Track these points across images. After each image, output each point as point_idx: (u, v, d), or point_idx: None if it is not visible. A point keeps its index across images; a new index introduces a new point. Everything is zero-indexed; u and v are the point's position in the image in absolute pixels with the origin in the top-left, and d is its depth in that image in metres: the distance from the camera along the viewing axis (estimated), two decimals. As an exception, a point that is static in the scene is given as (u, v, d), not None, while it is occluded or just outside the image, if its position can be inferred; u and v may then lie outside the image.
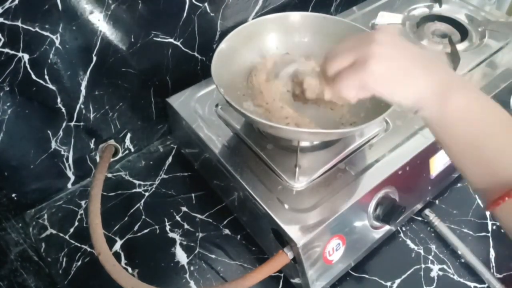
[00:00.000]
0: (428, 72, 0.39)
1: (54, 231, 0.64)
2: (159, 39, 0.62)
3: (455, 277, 0.58)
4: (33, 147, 0.60)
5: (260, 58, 0.62)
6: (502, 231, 0.62)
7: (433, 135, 0.41)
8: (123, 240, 0.63)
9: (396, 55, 0.39)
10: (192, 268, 0.60)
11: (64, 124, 0.61)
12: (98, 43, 0.57)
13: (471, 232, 0.62)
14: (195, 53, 0.69)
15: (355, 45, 0.40)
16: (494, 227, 0.63)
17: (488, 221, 0.64)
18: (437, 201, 0.66)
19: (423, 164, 0.59)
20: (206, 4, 0.64)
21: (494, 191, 0.37)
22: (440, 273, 0.58)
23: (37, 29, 0.50)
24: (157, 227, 0.64)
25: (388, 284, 0.57)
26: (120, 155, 0.72)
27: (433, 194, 0.66)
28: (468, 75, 0.68)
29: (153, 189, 0.69)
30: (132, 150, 0.74)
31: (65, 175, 0.67)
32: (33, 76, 0.54)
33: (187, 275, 0.59)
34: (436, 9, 0.82)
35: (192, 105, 0.64)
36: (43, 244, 0.63)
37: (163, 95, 0.67)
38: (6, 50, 0.50)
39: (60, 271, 0.60)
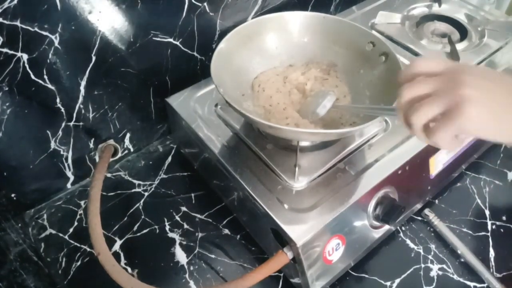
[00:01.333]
0: None
1: (53, 231, 0.64)
2: (158, 39, 0.62)
3: (455, 276, 0.58)
4: (32, 147, 0.60)
5: (262, 65, 0.63)
6: (502, 230, 0.63)
7: None
8: (122, 240, 0.63)
9: (491, 93, 0.35)
10: (191, 268, 0.60)
11: (63, 124, 0.61)
12: (97, 42, 0.56)
13: (470, 232, 0.62)
14: (195, 53, 0.69)
15: (441, 88, 0.36)
16: (494, 226, 0.63)
17: (488, 220, 0.64)
18: (436, 201, 0.66)
19: (423, 163, 0.59)
20: (205, 4, 0.64)
21: None
22: (440, 272, 0.58)
23: (36, 29, 0.50)
24: (156, 227, 0.64)
25: (388, 283, 0.57)
26: (119, 155, 0.72)
27: (433, 193, 0.66)
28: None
29: (153, 189, 0.69)
30: (132, 150, 0.74)
31: (64, 175, 0.67)
32: (32, 76, 0.54)
33: (187, 275, 0.59)
34: (436, 8, 0.82)
35: (192, 105, 0.64)
36: (43, 244, 0.63)
37: (163, 95, 0.67)
38: (5, 50, 0.49)
39: (60, 271, 0.60)
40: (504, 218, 0.64)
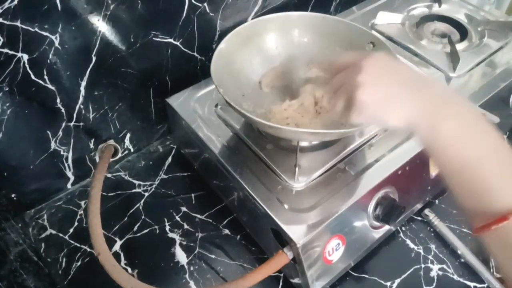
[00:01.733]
0: (418, 94, 0.39)
1: (53, 231, 0.64)
2: (158, 39, 0.62)
3: (455, 276, 0.58)
4: (32, 147, 0.60)
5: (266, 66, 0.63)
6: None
7: (428, 155, 0.41)
8: (122, 240, 0.63)
9: (381, 80, 0.40)
10: (192, 268, 0.60)
11: (63, 124, 0.61)
12: (98, 43, 0.57)
13: (470, 232, 0.62)
14: (195, 53, 0.69)
15: (346, 77, 0.42)
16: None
17: (488, 220, 0.64)
18: (436, 201, 0.66)
19: (423, 163, 0.59)
20: (205, 4, 0.64)
21: (482, 217, 0.37)
22: (440, 272, 0.58)
23: (36, 29, 0.50)
24: (156, 227, 0.64)
25: (388, 284, 0.57)
26: (119, 155, 0.72)
27: (433, 194, 0.66)
28: (467, 75, 0.68)
29: (153, 189, 0.69)
30: (132, 150, 0.74)
31: (64, 175, 0.67)
32: (33, 76, 0.54)
33: (187, 275, 0.59)
34: (436, 8, 0.82)
35: (192, 105, 0.64)
36: (43, 245, 0.63)
37: (163, 95, 0.67)
38: (6, 50, 0.49)
39: (60, 272, 0.60)
40: (504, 218, 0.64)
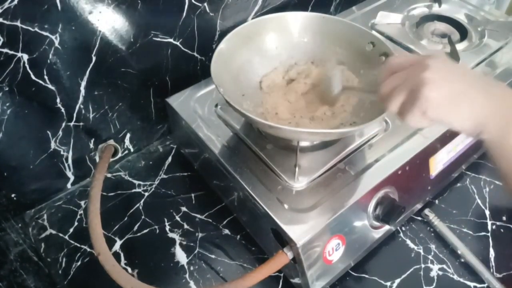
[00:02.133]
0: (487, 94, 0.38)
1: (53, 231, 0.64)
2: (158, 39, 0.62)
3: (455, 276, 0.58)
4: (32, 147, 0.60)
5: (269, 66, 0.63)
6: (502, 230, 0.63)
7: (491, 158, 0.40)
8: (122, 240, 0.63)
9: (450, 79, 0.38)
10: (192, 268, 0.60)
11: (63, 124, 0.61)
12: (98, 43, 0.57)
13: (470, 232, 0.62)
14: (195, 53, 0.69)
15: (408, 74, 0.40)
16: (494, 227, 0.63)
17: (488, 220, 0.64)
18: (436, 201, 0.66)
19: (423, 164, 0.59)
20: (205, 4, 0.64)
21: None
22: (440, 272, 0.58)
23: (36, 29, 0.50)
24: (156, 227, 0.64)
25: (388, 284, 0.57)
26: (119, 155, 0.72)
27: (433, 194, 0.66)
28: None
29: (153, 189, 0.69)
30: (132, 150, 0.74)
31: (64, 175, 0.67)
32: (33, 76, 0.54)
33: (187, 275, 0.59)
34: (436, 9, 0.82)
35: (192, 105, 0.64)
36: (43, 245, 0.63)
37: (163, 95, 0.67)
38: (5, 50, 0.49)
39: (60, 272, 0.60)
40: (504, 218, 0.64)
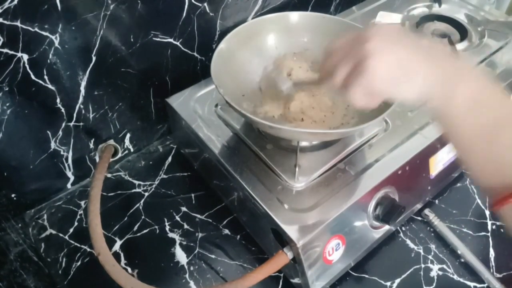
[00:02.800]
0: (431, 61, 0.36)
1: (53, 231, 0.64)
2: (158, 39, 0.62)
3: (455, 276, 0.58)
4: (32, 147, 0.60)
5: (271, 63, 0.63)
6: (502, 230, 0.63)
7: (441, 128, 0.39)
8: (122, 240, 0.63)
9: (392, 48, 0.36)
10: (192, 268, 0.60)
11: (63, 124, 0.61)
12: (98, 43, 0.57)
13: (470, 232, 0.62)
14: (195, 53, 0.69)
15: (350, 47, 0.38)
16: (494, 226, 0.63)
17: (488, 220, 0.64)
18: (436, 201, 0.66)
19: (423, 163, 0.59)
20: (205, 4, 0.64)
21: (501, 190, 0.35)
22: (440, 272, 0.58)
23: (36, 29, 0.50)
24: (156, 227, 0.64)
25: (388, 284, 0.57)
26: (119, 155, 0.72)
27: (433, 194, 0.66)
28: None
29: (153, 189, 0.69)
30: (132, 150, 0.74)
31: (64, 175, 0.67)
32: (33, 76, 0.54)
33: (187, 275, 0.59)
34: (436, 9, 0.82)
35: (192, 105, 0.64)
36: (43, 245, 0.63)
37: (163, 95, 0.67)
38: (5, 50, 0.49)
39: (60, 272, 0.60)
40: (504, 218, 0.64)
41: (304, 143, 0.56)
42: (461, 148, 0.38)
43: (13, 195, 0.63)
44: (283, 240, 0.50)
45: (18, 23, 0.48)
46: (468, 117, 0.36)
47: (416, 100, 0.37)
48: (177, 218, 0.65)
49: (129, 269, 0.59)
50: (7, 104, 0.54)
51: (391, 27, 0.39)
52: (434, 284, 0.57)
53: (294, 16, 0.62)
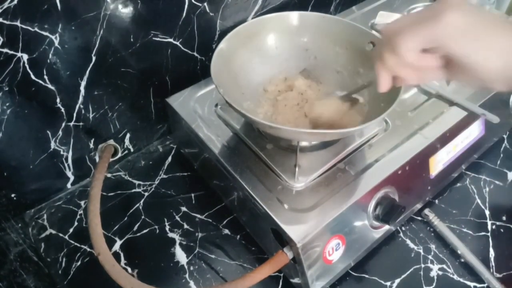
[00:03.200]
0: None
1: (53, 231, 0.64)
2: (158, 39, 0.62)
3: (455, 276, 0.58)
4: (32, 147, 0.60)
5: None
6: (502, 230, 0.63)
7: None
8: (122, 240, 0.63)
9: (474, 10, 0.31)
10: (191, 268, 0.60)
11: (63, 124, 0.61)
12: (98, 43, 0.57)
13: (470, 232, 0.62)
14: (195, 53, 0.69)
15: (424, 13, 0.32)
16: (494, 226, 0.63)
17: (488, 220, 0.64)
18: (436, 201, 0.66)
19: (423, 163, 0.59)
20: (205, 4, 0.64)
21: None
22: (440, 272, 0.58)
23: (36, 29, 0.50)
24: (156, 227, 0.64)
25: (388, 284, 0.57)
26: (119, 155, 0.72)
27: (433, 194, 0.66)
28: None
29: (153, 189, 0.69)
30: (132, 150, 0.74)
31: (64, 175, 0.67)
32: (32, 76, 0.54)
33: (187, 275, 0.59)
34: (436, 8, 0.81)
35: (192, 105, 0.64)
36: (43, 244, 0.63)
37: (163, 95, 0.67)
38: (5, 50, 0.49)
39: (60, 271, 0.60)
40: (504, 218, 0.64)
41: (304, 143, 0.56)
42: None
43: (13, 195, 0.63)
44: (283, 240, 0.50)
45: (18, 23, 0.48)
46: None
47: (495, 69, 0.31)
48: (177, 218, 0.65)
49: (129, 269, 0.59)
50: (7, 104, 0.54)
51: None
52: (434, 284, 0.57)
53: (294, 16, 0.62)
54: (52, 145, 0.62)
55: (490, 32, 0.31)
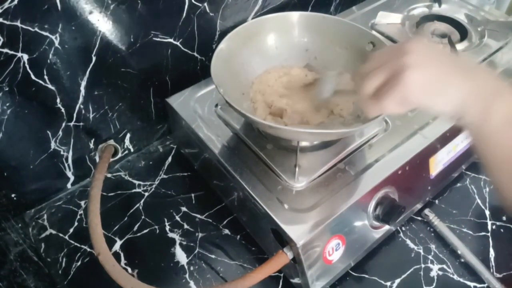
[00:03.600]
0: (468, 77, 0.37)
1: (53, 231, 0.64)
2: (158, 39, 0.62)
3: (455, 276, 0.58)
4: (32, 147, 0.60)
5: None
6: (502, 230, 0.63)
7: (473, 145, 0.40)
8: (122, 240, 0.63)
9: (431, 63, 0.38)
10: (192, 268, 0.60)
11: (63, 124, 0.61)
12: (98, 43, 0.57)
13: (470, 232, 0.62)
14: (195, 53, 0.69)
15: (388, 58, 0.39)
16: (494, 226, 0.63)
17: (488, 220, 0.64)
18: (436, 201, 0.66)
19: (423, 164, 0.59)
20: (205, 4, 0.64)
21: None
22: (440, 272, 0.58)
23: (36, 29, 0.50)
24: (156, 227, 0.64)
25: (388, 284, 0.57)
26: (119, 155, 0.72)
27: (433, 194, 0.66)
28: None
29: (153, 189, 0.69)
30: (132, 150, 0.74)
31: (64, 175, 0.67)
32: (33, 76, 0.54)
33: (187, 275, 0.59)
34: (436, 8, 0.82)
35: (192, 105, 0.64)
36: (43, 245, 0.63)
37: (163, 95, 0.67)
38: (6, 50, 0.49)
39: (60, 272, 0.60)
40: (504, 218, 0.64)
41: (304, 143, 0.56)
42: (490, 166, 0.39)
43: (13, 195, 0.63)
44: (283, 240, 0.50)
45: (18, 23, 0.48)
46: (501, 135, 0.37)
47: (451, 113, 0.38)
48: (177, 218, 0.65)
49: (129, 269, 0.59)
50: (7, 104, 0.54)
51: (430, 44, 0.40)
52: (434, 284, 0.57)
53: (294, 16, 0.62)
54: (52, 145, 0.62)
55: (445, 85, 0.37)
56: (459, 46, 0.71)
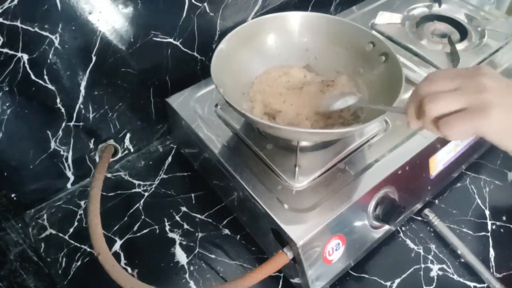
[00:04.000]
0: None
1: (53, 231, 0.64)
2: (158, 39, 0.62)
3: (455, 276, 0.58)
4: (32, 147, 0.60)
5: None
6: (502, 230, 0.63)
7: None
8: (122, 240, 0.63)
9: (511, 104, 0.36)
10: (191, 268, 0.60)
11: (63, 124, 0.61)
12: (98, 43, 0.57)
13: (470, 232, 0.62)
14: (195, 53, 0.69)
15: (464, 86, 0.37)
16: (494, 226, 0.63)
17: (488, 220, 0.64)
18: (436, 201, 0.66)
19: (423, 164, 0.59)
20: (205, 4, 0.64)
21: None
22: (440, 272, 0.58)
23: (36, 29, 0.50)
24: (156, 227, 0.64)
25: (388, 284, 0.57)
26: (119, 155, 0.72)
27: (433, 194, 0.66)
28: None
29: (153, 189, 0.69)
30: (132, 150, 0.74)
31: (64, 175, 0.67)
32: (33, 76, 0.54)
33: (187, 275, 0.59)
34: (436, 8, 0.82)
35: (192, 105, 0.64)
36: (43, 244, 0.63)
37: (163, 95, 0.67)
38: (5, 50, 0.49)
39: (60, 271, 0.60)
40: (504, 218, 0.64)
41: (304, 143, 0.56)
42: None
43: (13, 195, 0.63)
44: (283, 240, 0.50)
45: (18, 23, 0.48)
46: None
47: None
48: (177, 218, 0.65)
49: (129, 269, 0.59)
50: (7, 104, 0.54)
51: (503, 78, 0.38)
52: (434, 284, 0.57)
53: (294, 16, 0.62)
54: (52, 145, 0.62)
55: None
56: (459, 46, 0.71)
